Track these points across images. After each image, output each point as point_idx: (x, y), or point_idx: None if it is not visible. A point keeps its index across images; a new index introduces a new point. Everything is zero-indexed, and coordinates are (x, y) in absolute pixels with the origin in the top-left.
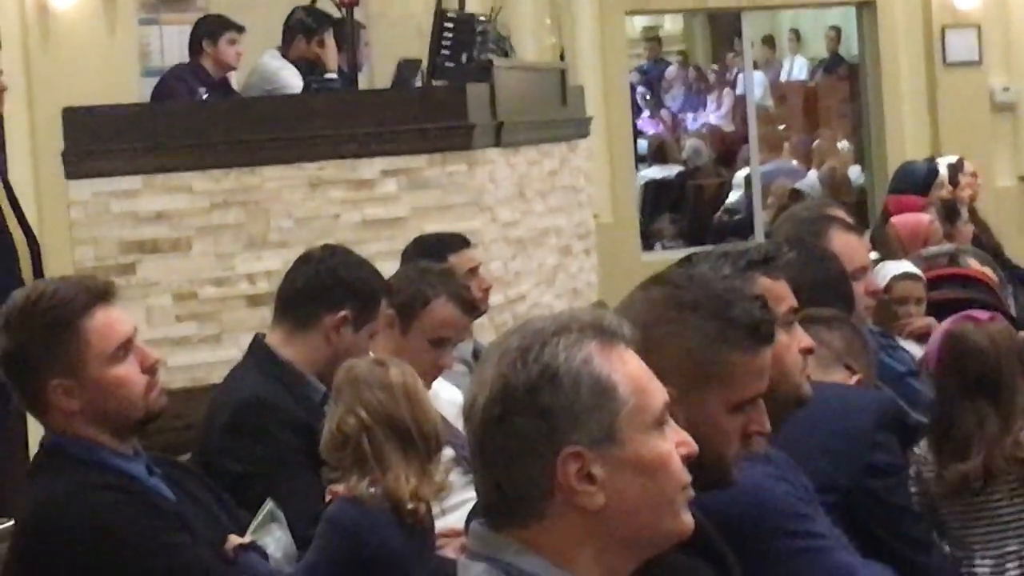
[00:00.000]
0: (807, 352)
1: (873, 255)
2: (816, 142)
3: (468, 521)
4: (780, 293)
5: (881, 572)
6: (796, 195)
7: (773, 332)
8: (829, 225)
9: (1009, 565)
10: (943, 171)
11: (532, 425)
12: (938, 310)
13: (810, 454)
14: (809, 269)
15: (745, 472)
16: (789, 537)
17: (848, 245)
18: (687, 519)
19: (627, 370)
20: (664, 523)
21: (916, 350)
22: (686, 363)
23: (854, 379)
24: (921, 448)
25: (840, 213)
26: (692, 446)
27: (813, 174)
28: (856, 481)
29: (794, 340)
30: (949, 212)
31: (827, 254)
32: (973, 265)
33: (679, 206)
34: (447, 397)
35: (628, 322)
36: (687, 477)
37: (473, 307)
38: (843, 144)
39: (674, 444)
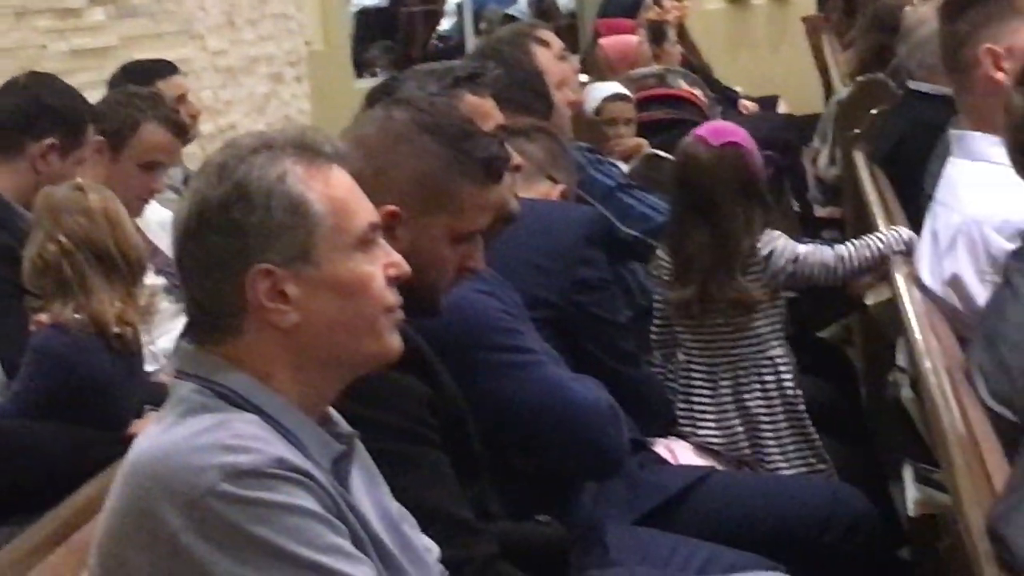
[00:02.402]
0: (515, 169)
1: (584, 77)
2: None
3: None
4: (486, 110)
5: (590, 385)
6: (508, 21)
7: (504, 171)
8: (528, 40)
9: (722, 376)
10: None
11: (224, 241)
12: (647, 130)
13: (519, 270)
14: (506, 73)
15: (453, 288)
16: (498, 351)
17: (547, 59)
18: (392, 341)
19: (327, 189)
20: (364, 344)
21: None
22: (418, 186)
23: (557, 189)
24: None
25: (541, 31)
26: (403, 267)
27: None
28: (565, 296)
29: None
30: (656, 34)
31: (523, 58)
32: (682, 86)
33: (391, 34)
34: (158, 219)
35: (363, 139)
36: (392, 299)
37: (183, 130)
38: None
39: (382, 266)
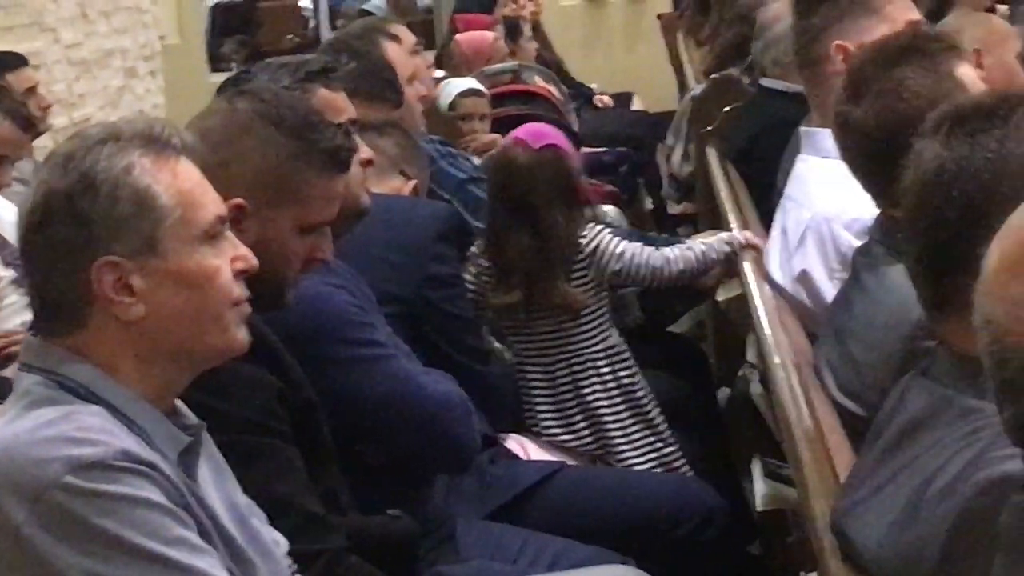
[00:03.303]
0: (366, 164)
1: (439, 73)
2: None
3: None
4: (339, 105)
5: (441, 379)
6: (365, 16)
7: (350, 161)
8: (378, 35)
9: (559, 371)
10: None
11: (69, 233)
12: (502, 126)
13: (371, 265)
14: (357, 65)
15: (305, 282)
16: (349, 345)
17: (397, 53)
18: (239, 335)
19: (174, 181)
20: (210, 337)
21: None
22: (264, 177)
23: (410, 185)
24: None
25: (392, 26)
26: (250, 261)
27: None
28: (416, 291)
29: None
30: (512, 30)
31: (372, 51)
32: (537, 82)
33: (248, 28)
34: (7, 217)
35: (207, 132)
36: (239, 292)
37: (30, 124)
38: None
39: (229, 259)
